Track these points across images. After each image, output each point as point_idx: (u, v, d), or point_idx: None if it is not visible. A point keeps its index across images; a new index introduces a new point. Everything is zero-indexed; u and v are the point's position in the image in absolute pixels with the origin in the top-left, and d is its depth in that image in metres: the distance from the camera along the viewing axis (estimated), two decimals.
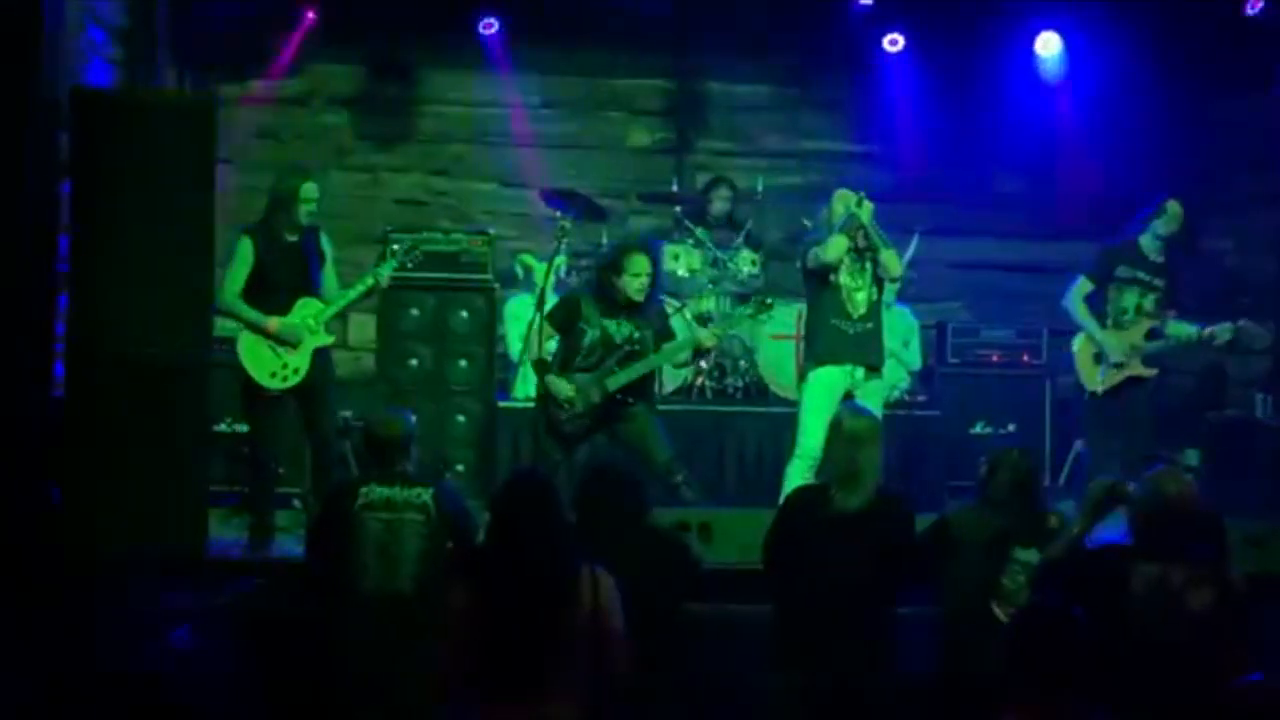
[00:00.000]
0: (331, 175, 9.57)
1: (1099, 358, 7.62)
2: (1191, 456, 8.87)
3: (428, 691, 4.93)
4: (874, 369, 7.12)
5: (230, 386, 7.34)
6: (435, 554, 5.49)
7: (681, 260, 9.01)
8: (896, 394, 8.77)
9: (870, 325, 7.10)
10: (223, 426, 8.04)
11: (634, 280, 7.01)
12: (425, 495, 5.55)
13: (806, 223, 7.76)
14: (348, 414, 7.92)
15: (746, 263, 8.89)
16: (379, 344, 8.73)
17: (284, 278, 7.07)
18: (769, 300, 7.51)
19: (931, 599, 5.30)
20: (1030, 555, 5.16)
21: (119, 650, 5.62)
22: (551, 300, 7.44)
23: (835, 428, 5.45)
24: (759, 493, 6.95)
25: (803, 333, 7.45)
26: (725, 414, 8.67)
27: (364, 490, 5.55)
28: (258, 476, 7.18)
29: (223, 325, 7.27)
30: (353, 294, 7.19)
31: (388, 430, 5.72)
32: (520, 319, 8.29)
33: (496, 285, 8.70)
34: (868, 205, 6.99)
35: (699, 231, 8.99)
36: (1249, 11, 9.13)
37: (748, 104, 10.43)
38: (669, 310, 7.94)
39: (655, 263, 7.12)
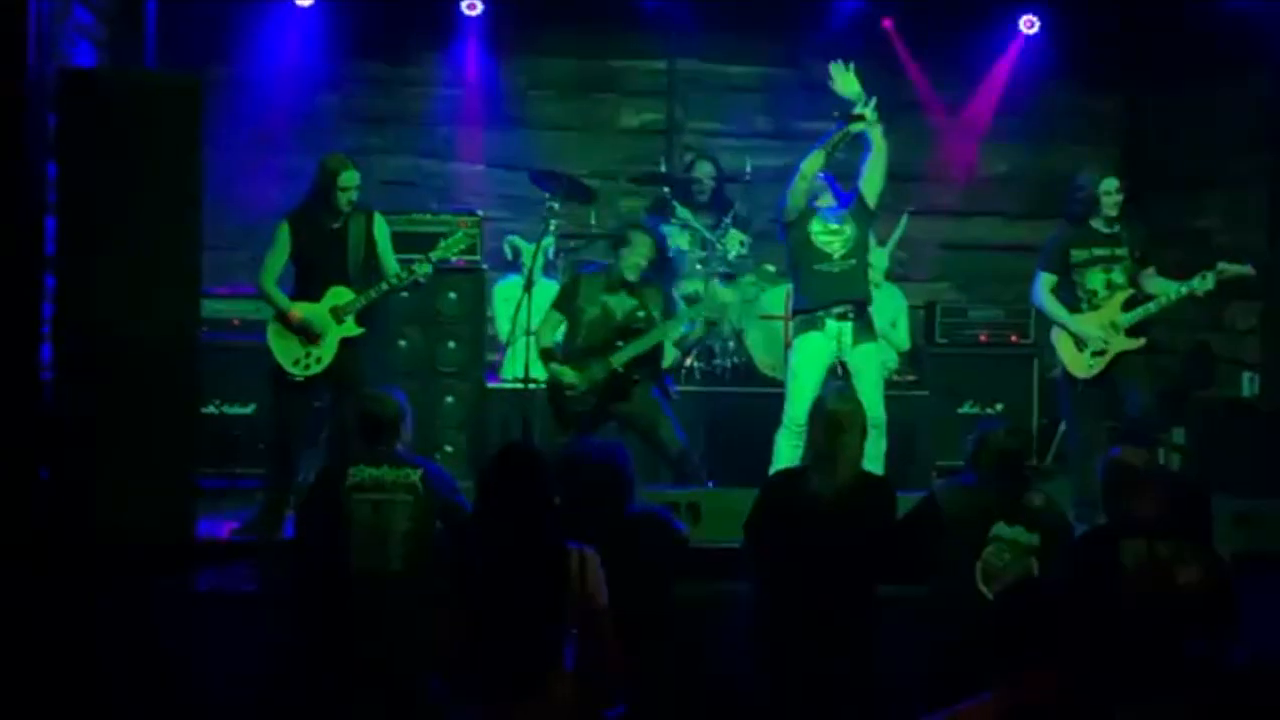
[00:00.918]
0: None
1: (1080, 343, 7.47)
2: (1179, 436, 8.89)
3: (418, 670, 4.94)
4: (860, 306, 7.12)
5: (221, 367, 7.43)
6: (424, 534, 5.50)
7: (670, 241, 9.00)
8: (885, 374, 8.75)
9: (853, 261, 7.12)
10: (211, 409, 8.04)
11: (630, 257, 7.16)
12: (414, 476, 5.55)
13: None
14: None
15: (735, 243, 8.89)
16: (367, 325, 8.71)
17: (321, 264, 7.15)
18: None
19: (916, 579, 5.31)
20: (1016, 533, 5.17)
21: (112, 629, 5.65)
22: (540, 282, 7.50)
23: (817, 408, 5.45)
24: (747, 473, 6.97)
25: (791, 312, 7.45)
26: (714, 394, 8.67)
27: (353, 471, 5.55)
28: (276, 460, 7.21)
29: (259, 310, 7.50)
30: (374, 293, 7.21)
31: (381, 408, 5.72)
32: (509, 300, 8.28)
33: (485, 266, 8.69)
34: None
35: (681, 210, 8.97)
36: None
37: (738, 84, 10.41)
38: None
39: (658, 246, 7.35)
